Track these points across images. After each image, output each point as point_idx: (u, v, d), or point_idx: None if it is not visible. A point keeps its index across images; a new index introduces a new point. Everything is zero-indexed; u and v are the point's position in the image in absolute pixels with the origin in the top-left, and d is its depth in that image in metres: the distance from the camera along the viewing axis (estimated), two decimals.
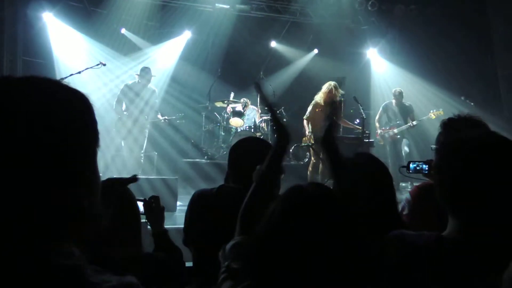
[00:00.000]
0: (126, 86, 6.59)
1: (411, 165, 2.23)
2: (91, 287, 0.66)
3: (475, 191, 1.05)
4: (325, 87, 6.26)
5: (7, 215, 0.65)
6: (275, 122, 1.47)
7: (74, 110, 0.72)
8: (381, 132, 7.21)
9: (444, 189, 1.12)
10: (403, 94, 7.18)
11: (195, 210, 1.82)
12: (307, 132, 6.38)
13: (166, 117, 6.74)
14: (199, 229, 1.77)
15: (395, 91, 7.20)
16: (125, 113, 6.44)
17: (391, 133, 7.09)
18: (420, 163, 2.20)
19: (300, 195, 1.01)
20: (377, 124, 7.33)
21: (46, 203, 0.67)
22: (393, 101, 7.19)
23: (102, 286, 0.66)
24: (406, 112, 7.07)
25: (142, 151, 6.55)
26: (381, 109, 7.34)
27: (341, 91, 6.36)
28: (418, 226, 1.79)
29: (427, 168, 2.19)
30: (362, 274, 0.95)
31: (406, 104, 7.18)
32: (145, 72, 6.62)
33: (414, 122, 6.92)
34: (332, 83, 6.27)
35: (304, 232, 0.94)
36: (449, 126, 1.85)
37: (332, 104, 6.23)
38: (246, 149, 1.82)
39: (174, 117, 6.89)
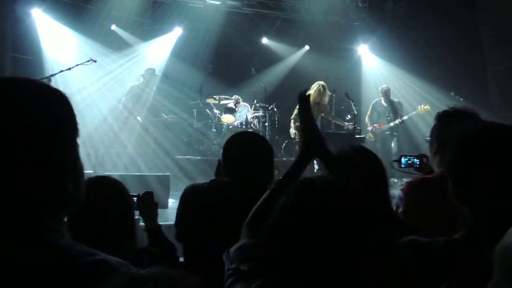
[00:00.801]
0: (132, 87, 6.84)
1: (403, 159, 2.25)
2: (83, 267, 0.72)
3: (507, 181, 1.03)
4: (313, 87, 6.33)
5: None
6: (309, 134, 1.40)
7: (51, 103, 0.80)
8: (372, 128, 7.29)
9: (467, 188, 1.10)
10: (390, 91, 7.26)
11: (187, 204, 1.82)
12: (292, 131, 6.47)
13: (171, 116, 6.89)
14: (191, 223, 1.77)
15: (382, 89, 7.30)
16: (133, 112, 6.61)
17: (382, 129, 7.17)
18: (412, 157, 2.23)
19: (311, 187, 1.00)
20: (367, 121, 7.42)
21: (29, 185, 0.75)
22: (381, 98, 7.27)
23: (91, 262, 0.73)
24: (395, 108, 7.15)
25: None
26: (370, 106, 7.45)
27: (328, 92, 6.44)
28: (414, 222, 1.80)
29: (418, 162, 2.22)
30: (377, 267, 0.94)
31: (395, 100, 7.27)
32: (148, 73, 6.76)
33: (403, 118, 7.02)
34: (321, 83, 6.36)
35: (317, 224, 0.93)
36: (444, 118, 1.86)
37: (318, 105, 6.33)
38: (242, 143, 1.82)
39: (177, 116, 7.01)
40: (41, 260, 0.71)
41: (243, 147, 1.78)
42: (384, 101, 7.23)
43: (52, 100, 0.80)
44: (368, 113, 7.45)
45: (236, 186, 1.71)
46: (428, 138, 1.99)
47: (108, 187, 1.53)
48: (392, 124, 7.09)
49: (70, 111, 0.82)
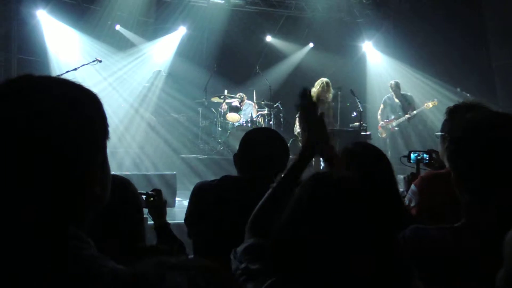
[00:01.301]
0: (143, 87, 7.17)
1: (412, 155, 2.25)
2: (107, 277, 0.71)
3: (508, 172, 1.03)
4: (317, 84, 6.32)
5: (27, 202, 0.72)
6: (314, 132, 1.35)
7: (85, 105, 0.79)
8: (382, 124, 7.26)
9: (468, 175, 1.09)
10: (400, 85, 7.21)
11: (196, 202, 1.82)
12: (297, 129, 6.44)
13: (183, 114, 7.03)
14: (201, 221, 1.77)
15: (391, 84, 7.23)
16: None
17: (392, 125, 7.15)
18: (421, 152, 2.22)
19: (326, 180, 0.98)
20: (379, 117, 7.40)
21: (60, 187, 0.74)
22: (392, 94, 7.22)
23: (118, 276, 0.71)
24: (406, 102, 7.11)
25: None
26: (382, 102, 7.41)
27: (332, 90, 6.41)
28: (427, 217, 1.79)
29: (428, 158, 2.20)
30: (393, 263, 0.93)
31: (406, 94, 7.21)
32: (155, 74, 7.05)
33: (413, 113, 6.97)
34: (324, 79, 6.32)
35: (334, 217, 0.92)
36: (454, 113, 1.85)
37: (323, 102, 6.32)
38: (260, 139, 1.80)
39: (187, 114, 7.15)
40: (66, 279, 0.70)
41: (260, 142, 1.77)
42: (396, 96, 7.18)
43: (84, 100, 0.79)
44: (380, 108, 7.41)
45: (247, 183, 1.70)
46: (439, 133, 1.98)
47: (115, 185, 1.52)
48: (401, 119, 7.05)
49: (101, 112, 0.81)
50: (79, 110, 0.77)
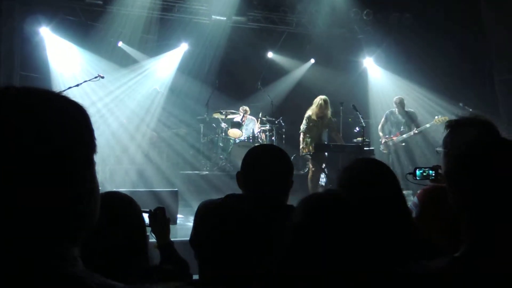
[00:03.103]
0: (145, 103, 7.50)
1: (418, 172, 2.20)
2: None
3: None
4: (315, 102, 6.35)
5: (9, 218, 0.68)
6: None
7: (71, 118, 0.75)
8: (385, 140, 7.19)
9: (467, 196, 1.05)
10: (404, 102, 7.17)
11: (201, 223, 1.77)
12: (302, 145, 6.42)
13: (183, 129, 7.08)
14: (206, 241, 1.72)
15: (396, 100, 7.17)
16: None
17: (395, 141, 7.07)
18: (427, 169, 2.17)
19: (322, 203, 0.96)
20: (380, 133, 7.31)
21: (47, 205, 0.70)
22: (395, 109, 7.18)
23: None
24: (409, 119, 7.06)
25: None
26: (384, 117, 7.32)
27: (330, 108, 6.43)
28: (426, 230, 1.75)
29: (434, 174, 2.16)
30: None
31: (409, 111, 7.17)
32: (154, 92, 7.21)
33: (420, 129, 6.90)
34: (322, 97, 6.37)
35: (335, 239, 0.89)
36: (456, 127, 1.81)
37: (322, 119, 6.34)
38: (263, 156, 1.75)
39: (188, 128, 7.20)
40: None
41: (264, 160, 1.73)
42: (399, 112, 7.13)
43: (72, 114, 0.76)
44: (381, 122, 7.32)
45: (252, 202, 1.65)
46: (440, 149, 1.94)
47: (117, 203, 1.48)
48: (405, 135, 6.98)
49: (89, 127, 0.78)
50: (66, 121, 0.73)
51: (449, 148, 1.83)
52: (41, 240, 0.69)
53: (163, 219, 1.89)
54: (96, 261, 1.07)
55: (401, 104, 7.11)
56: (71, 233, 0.73)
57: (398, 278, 1.01)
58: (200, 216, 1.75)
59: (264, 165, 1.70)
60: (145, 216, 1.93)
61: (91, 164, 0.77)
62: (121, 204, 1.50)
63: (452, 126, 1.84)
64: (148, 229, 1.89)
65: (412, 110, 7.24)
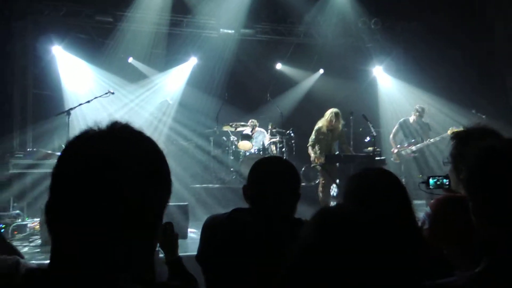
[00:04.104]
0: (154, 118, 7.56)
1: (431, 180, 2.16)
2: None
3: None
4: (326, 115, 6.32)
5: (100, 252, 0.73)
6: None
7: (157, 161, 0.81)
8: (397, 150, 7.08)
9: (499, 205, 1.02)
10: (425, 111, 7.05)
11: (208, 238, 1.74)
12: (313, 156, 6.37)
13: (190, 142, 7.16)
14: (212, 257, 1.69)
15: (419, 107, 7.01)
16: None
17: (408, 151, 6.95)
18: (441, 177, 2.13)
19: (335, 218, 0.93)
20: (392, 142, 7.20)
21: (130, 246, 0.75)
22: (412, 117, 7.03)
23: None
24: (424, 129, 6.95)
25: None
26: (397, 125, 7.19)
27: (342, 121, 6.39)
28: (439, 240, 1.71)
29: (447, 182, 2.12)
30: None
31: (425, 121, 7.06)
32: (163, 105, 7.42)
33: (432, 140, 6.79)
34: (334, 110, 6.33)
35: (345, 259, 0.86)
36: (461, 137, 1.78)
37: (332, 131, 6.30)
38: (269, 169, 1.73)
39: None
40: None
41: (270, 173, 1.70)
42: (414, 121, 7.01)
43: (162, 157, 0.81)
44: (394, 131, 7.20)
45: (259, 216, 1.63)
46: (446, 160, 1.91)
47: None
48: (419, 145, 6.87)
49: (168, 170, 0.82)
50: (160, 165, 0.80)
51: (458, 160, 1.79)
52: (117, 268, 0.75)
53: (171, 234, 1.87)
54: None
55: (422, 112, 6.98)
56: (140, 263, 0.80)
57: None
58: (206, 232, 1.73)
59: (271, 178, 1.68)
60: None
61: (166, 204, 0.82)
62: None
63: (457, 136, 1.81)
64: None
65: (427, 121, 7.12)
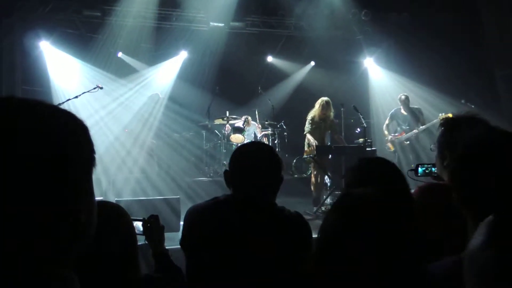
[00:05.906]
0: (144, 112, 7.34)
1: (420, 169, 2.18)
2: None
3: None
4: (317, 104, 6.33)
5: (8, 235, 0.65)
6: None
7: (71, 130, 0.75)
8: (391, 138, 7.15)
9: (475, 194, 1.04)
10: (409, 99, 7.12)
11: (188, 225, 1.76)
12: (312, 143, 6.34)
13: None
14: (194, 244, 1.71)
15: (401, 98, 7.09)
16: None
17: (402, 138, 7.03)
18: (429, 165, 2.15)
19: (362, 201, 0.97)
20: (385, 132, 7.26)
21: (47, 220, 0.67)
22: (401, 107, 7.13)
23: None
24: (415, 116, 7.00)
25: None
26: (389, 116, 7.25)
27: (332, 109, 6.40)
28: (420, 227, 1.73)
29: (436, 171, 2.14)
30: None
31: (414, 108, 7.11)
32: (153, 99, 7.28)
33: (421, 128, 6.85)
34: (324, 98, 6.34)
35: (373, 237, 0.90)
36: (449, 125, 1.79)
37: (324, 120, 6.32)
38: (249, 154, 1.72)
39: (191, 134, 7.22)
40: None
41: (250, 158, 1.70)
42: (404, 110, 7.08)
43: (71, 127, 0.75)
44: (386, 122, 7.26)
45: (239, 203, 1.64)
46: (433, 146, 1.92)
47: (106, 213, 1.47)
48: (409, 134, 6.94)
49: (88, 139, 0.77)
50: (66, 134, 0.72)
51: (445, 147, 1.80)
52: (41, 257, 0.67)
53: (157, 227, 1.87)
54: (86, 272, 1.06)
55: (406, 101, 7.05)
56: (70, 246, 0.71)
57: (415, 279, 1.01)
58: (187, 219, 1.75)
59: (251, 163, 1.68)
60: (139, 224, 1.92)
61: (90, 177, 0.77)
62: (110, 214, 1.49)
63: (444, 124, 1.82)
64: (143, 237, 1.88)
65: (416, 106, 7.18)
